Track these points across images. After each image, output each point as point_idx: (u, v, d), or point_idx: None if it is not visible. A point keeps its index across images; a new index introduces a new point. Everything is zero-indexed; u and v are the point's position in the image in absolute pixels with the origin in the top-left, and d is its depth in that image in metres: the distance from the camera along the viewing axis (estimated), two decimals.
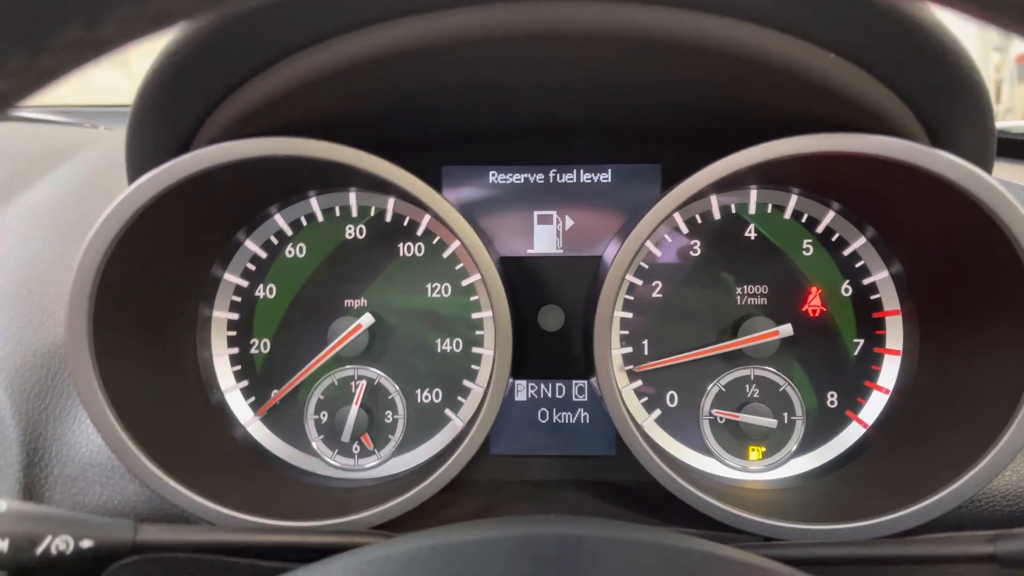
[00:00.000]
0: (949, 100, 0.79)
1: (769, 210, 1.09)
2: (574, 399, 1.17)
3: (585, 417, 1.16)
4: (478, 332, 1.11)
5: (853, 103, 0.79)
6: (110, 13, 0.34)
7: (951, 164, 0.80)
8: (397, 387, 1.11)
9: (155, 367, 0.99)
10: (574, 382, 1.17)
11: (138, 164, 0.87)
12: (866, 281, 1.08)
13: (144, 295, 0.96)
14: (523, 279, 1.16)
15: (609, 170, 1.15)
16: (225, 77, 0.78)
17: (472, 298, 1.11)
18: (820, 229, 1.08)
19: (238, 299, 1.11)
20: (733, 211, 1.09)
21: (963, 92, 0.77)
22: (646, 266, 1.10)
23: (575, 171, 1.15)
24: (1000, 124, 2.36)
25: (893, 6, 0.67)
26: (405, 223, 1.11)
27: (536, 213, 1.16)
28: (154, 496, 0.91)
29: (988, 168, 0.86)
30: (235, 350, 1.11)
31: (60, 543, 0.70)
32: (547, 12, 0.73)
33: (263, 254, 1.11)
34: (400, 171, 0.91)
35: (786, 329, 1.04)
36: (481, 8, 0.72)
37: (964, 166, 0.80)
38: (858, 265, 1.08)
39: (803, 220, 1.08)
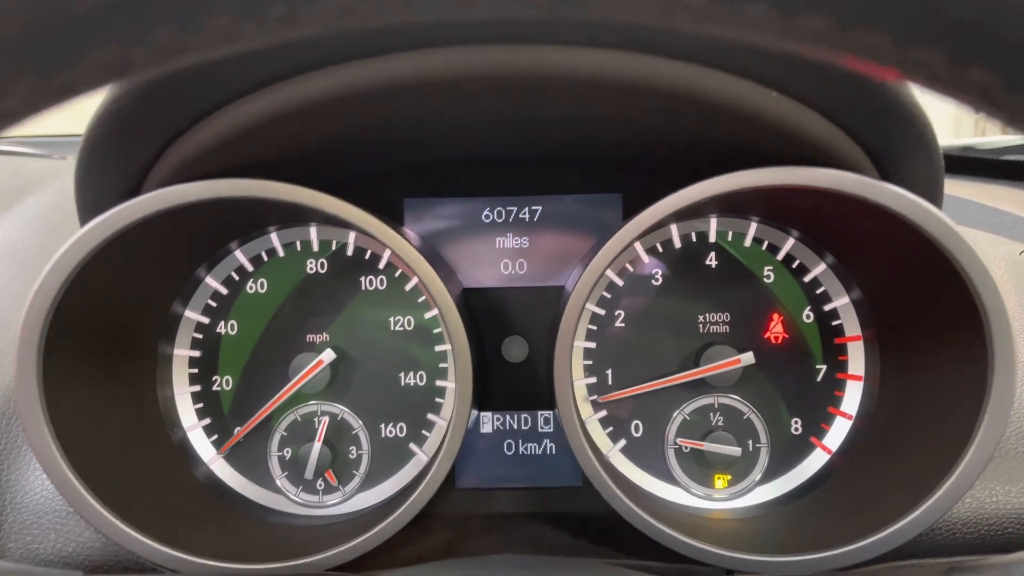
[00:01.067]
0: (892, 134, 0.80)
1: (730, 237, 1.09)
2: (540, 430, 1.16)
3: (551, 448, 1.16)
4: (441, 365, 1.11)
5: (801, 138, 0.80)
6: (10, 89, 0.34)
7: (897, 196, 0.80)
8: (361, 422, 1.10)
9: (112, 408, 0.98)
10: (540, 413, 1.16)
11: (88, 207, 0.87)
12: (827, 307, 1.08)
13: (100, 336, 0.95)
14: (486, 310, 1.16)
15: (571, 199, 1.15)
16: (170, 123, 0.78)
17: (435, 331, 1.11)
18: (780, 256, 1.08)
19: (199, 336, 1.10)
20: (694, 239, 1.10)
21: (905, 126, 0.78)
22: (608, 295, 1.10)
23: (537, 201, 1.16)
24: (968, 140, 2.39)
25: None
26: (367, 256, 1.11)
27: (499, 244, 1.16)
28: (111, 542, 0.90)
29: (937, 198, 0.87)
30: (197, 387, 1.10)
31: None
32: (498, 57, 0.73)
33: (224, 290, 1.10)
34: (357, 210, 0.91)
35: (747, 357, 1.05)
36: (425, 53, 0.72)
37: (910, 198, 0.80)
38: (819, 291, 1.09)
39: (764, 247, 1.09)
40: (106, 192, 0.85)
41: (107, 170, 0.84)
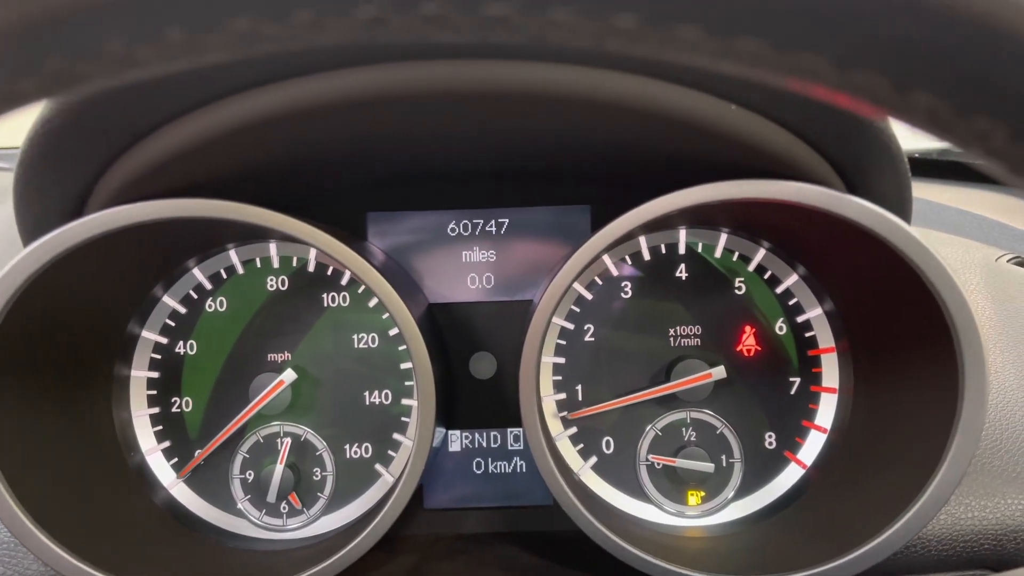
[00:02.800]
0: (855, 146, 0.78)
1: (700, 249, 1.07)
2: (510, 448, 1.13)
3: (521, 466, 1.13)
4: (407, 383, 1.08)
5: (763, 151, 0.77)
6: None
7: (862, 210, 0.78)
8: (324, 443, 1.07)
9: (63, 433, 0.94)
10: (509, 430, 1.14)
11: (29, 228, 0.84)
12: (800, 318, 1.06)
13: (48, 358, 0.92)
14: (453, 326, 1.13)
15: (539, 211, 1.13)
16: (108, 141, 0.75)
17: (400, 347, 1.08)
18: (752, 267, 1.06)
19: (158, 356, 1.07)
20: (664, 251, 1.07)
21: (871, 140, 0.76)
22: (577, 309, 1.08)
23: (504, 213, 1.13)
24: (947, 143, 2.37)
25: None
26: (329, 273, 1.08)
27: (466, 257, 1.13)
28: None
29: (905, 210, 0.85)
30: (156, 409, 1.07)
31: None
32: (454, 73, 0.71)
33: (182, 309, 1.07)
34: (314, 230, 0.87)
35: (718, 372, 1.02)
36: (380, 68, 0.70)
37: (876, 211, 0.78)
38: (792, 302, 1.06)
39: (735, 257, 1.07)
40: (47, 212, 0.82)
41: (46, 190, 0.80)
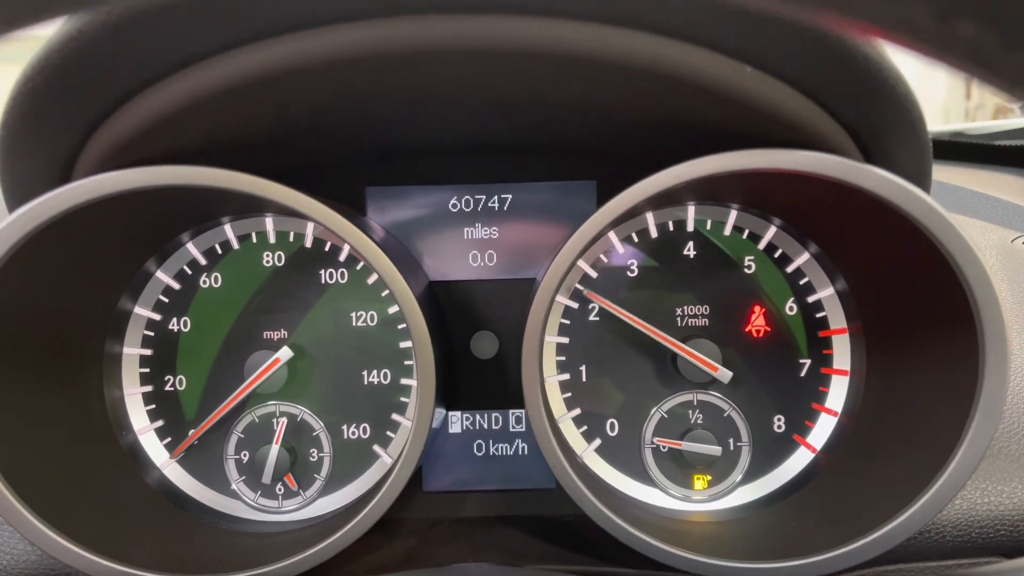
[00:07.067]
0: (876, 113, 0.74)
1: (709, 226, 1.04)
2: (511, 430, 1.11)
3: (523, 449, 1.10)
4: (407, 362, 1.05)
5: (779, 118, 0.74)
6: None
7: (882, 180, 0.75)
8: (322, 423, 1.05)
9: (52, 412, 0.91)
10: (511, 412, 1.11)
11: (16, 195, 0.80)
12: (811, 299, 1.03)
13: (36, 335, 0.89)
14: (454, 304, 1.10)
15: (543, 187, 1.09)
16: (94, 102, 0.72)
17: (400, 326, 1.05)
18: (762, 245, 1.03)
19: (151, 333, 1.04)
20: (671, 228, 1.04)
21: (890, 105, 0.72)
22: (581, 288, 1.05)
23: (507, 189, 1.10)
24: (958, 126, 2.34)
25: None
26: (326, 248, 1.05)
27: (467, 234, 1.10)
28: (47, 555, 0.84)
29: (925, 182, 0.81)
30: (149, 388, 1.04)
31: None
32: (458, 28, 0.67)
33: (176, 285, 1.04)
34: (313, 202, 0.84)
35: (724, 374, 0.99)
36: (370, 24, 0.66)
37: (895, 182, 0.75)
38: (803, 282, 1.03)
39: (745, 235, 1.04)
40: (32, 179, 0.79)
41: (30, 154, 0.77)
